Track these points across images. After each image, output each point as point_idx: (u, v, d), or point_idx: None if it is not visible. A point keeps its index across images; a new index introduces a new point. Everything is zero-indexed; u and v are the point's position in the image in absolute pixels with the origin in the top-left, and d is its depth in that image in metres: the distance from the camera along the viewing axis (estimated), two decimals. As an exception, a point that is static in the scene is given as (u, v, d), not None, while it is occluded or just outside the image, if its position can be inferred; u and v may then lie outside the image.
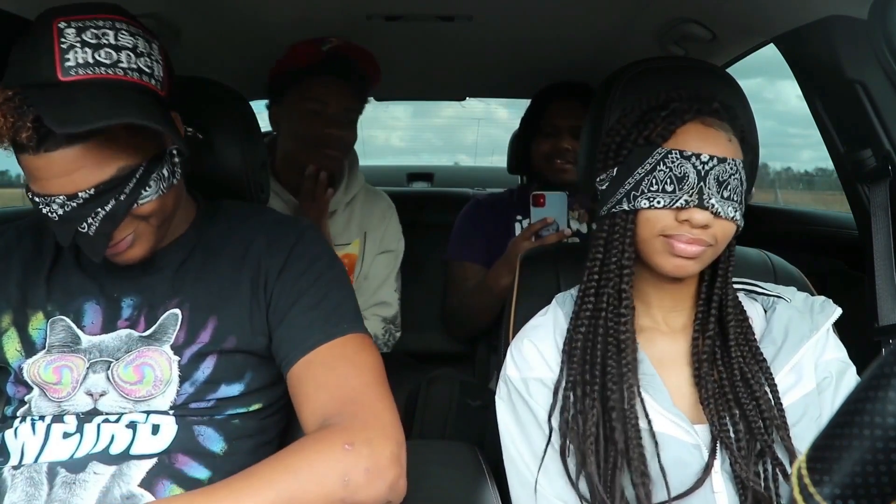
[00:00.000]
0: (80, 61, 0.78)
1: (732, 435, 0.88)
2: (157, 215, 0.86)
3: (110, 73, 0.79)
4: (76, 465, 0.85)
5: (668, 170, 0.85)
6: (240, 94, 1.16)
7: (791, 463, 0.88)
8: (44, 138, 0.76)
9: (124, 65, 0.80)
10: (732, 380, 0.91)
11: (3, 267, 0.95)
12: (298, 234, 0.97)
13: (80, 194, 0.79)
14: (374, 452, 0.78)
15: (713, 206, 0.84)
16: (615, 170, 0.90)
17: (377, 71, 1.72)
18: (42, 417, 0.89)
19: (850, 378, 0.94)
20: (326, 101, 1.58)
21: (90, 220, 0.80)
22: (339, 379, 0.86)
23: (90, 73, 0.78)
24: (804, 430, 0.90)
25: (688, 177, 0.84)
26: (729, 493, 0.88)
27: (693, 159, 0.84)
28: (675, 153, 0.85)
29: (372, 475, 0.77)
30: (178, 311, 0.92)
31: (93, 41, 0.79)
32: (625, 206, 0.88)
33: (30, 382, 0.89)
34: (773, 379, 0.91)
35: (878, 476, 0.36)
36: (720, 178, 0.85)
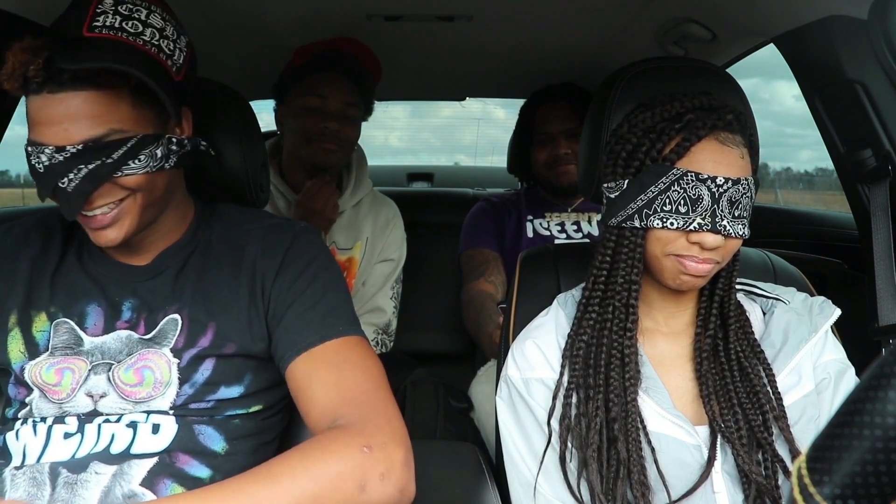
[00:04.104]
0: (108, 24, 0.82)
1: (734, 428, 0.89)
2: (142, 193, 0.86)
3: (131, 39, 0.83)
4: (77, 465, 0.85)
5: (682, 191, 0.84)
6: (240, 94, 1.16)
7: (790, 457, 0.89)
8: (51, 78, 0.79)
9: (146, 38, 0.84)
10: (732, 373, 0.92)
11: (12, 266, 0.95)
12: (293, 236, 0.97)
13: (68, 148, 0.80)
14: (389, 457, 0.78)
15: (725, 227, 0.84)
16: (625, 182, 0.89)
17: (377, 66, 1.73)
18: (43, 419, 0.89)
19: (848, 379, 0.95)
20: (325, 96, 1.60)
21: (71, 176, 0.81)
22: (345, 379, 0.86)
23: (112, 34, 0.82)
24: (802, 431, 0.90)
25: (702, 199, 0.84)
26: (729, 493, 0.88)
27: (708, 182, 0.84)
28: (691, 175, 0.84)
29: (386, 479, 0.77)
30: (177, 316, 0.92)
31: (125, 12, 0.83)
32: (636, 223, 0.88)
33: (30, 384, 0.90)
34: (771, 371, 0.92)
35: (878, 476, 0.36)
36: (733, 199, 0.84)
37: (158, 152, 0.86)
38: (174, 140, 0.89)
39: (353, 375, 0.87)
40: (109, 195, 0.85)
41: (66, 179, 0.81)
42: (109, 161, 0.81)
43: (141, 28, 0.84)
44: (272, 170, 1.69)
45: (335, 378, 0.86)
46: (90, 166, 0.81)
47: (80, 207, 0.83)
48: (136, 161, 0.84)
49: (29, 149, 0.83)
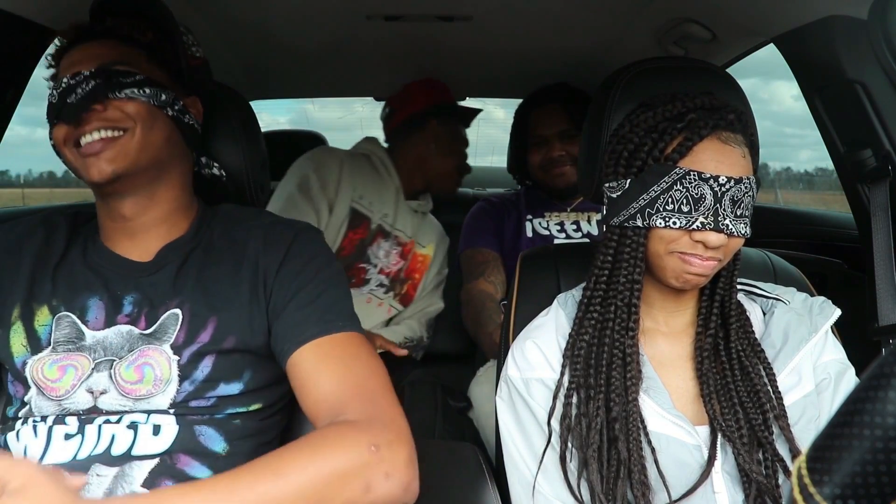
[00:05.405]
0: None
1: (734, 427, 0.89)
2: (141, 127, 0.91)
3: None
4: (79, 467, 0.84)
5: (685, 190, 0.84)
6: (240, 94, 1.16)
7: (790, 457, 0.89)
8: (83, 36, 0.95)
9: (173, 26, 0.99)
10: (733, 372, 0.92)
11: (16, 260, 0.96)
12: (295, 233, 0.98)
13: (82, 72, 0.90)
14: (394, 456, 0.78)
15: (727, 226, 0.85)
16: (627, 182, 0.90)
17: None
18: (44, 419, 0.89)
19: (848, 379, 0.95)
20: (466, 142, 2.05)
21: (79, 91, 0.89)
22: (352, 374, 0.86)
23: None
24: (802, 431, 0.90)
25: (705, 198, 0.84)
26: (729, 492, 0.88)
27: (711, 181, 0.84)
28: (694, 174, 0.84)
29: (391, 479, 0.77)
30: (178, 311, 0.92)
31: None
32: (638, 223, 0.88)
33: (29, 380, 0.90)
34: (772, 370, 0.92)
35: (878, 476, 0.37)
36: (735, 198, 0.85)
37: (164, 95, 0.94)
38: (182, 103, 0.97)
39: (359, 371, 0.87)
40: (107, 116, 0.90)
41: (74, 95, 0.89)
42: (115, 81, 0.90)
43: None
44: (387, 156, 1.92)
45: (341, 371, 0.87)
46: (97, 81, 0.90)
47: (80, 115, 0.89)
48: (141, 91, 0.92)
49: (50, 84, 0.94)
